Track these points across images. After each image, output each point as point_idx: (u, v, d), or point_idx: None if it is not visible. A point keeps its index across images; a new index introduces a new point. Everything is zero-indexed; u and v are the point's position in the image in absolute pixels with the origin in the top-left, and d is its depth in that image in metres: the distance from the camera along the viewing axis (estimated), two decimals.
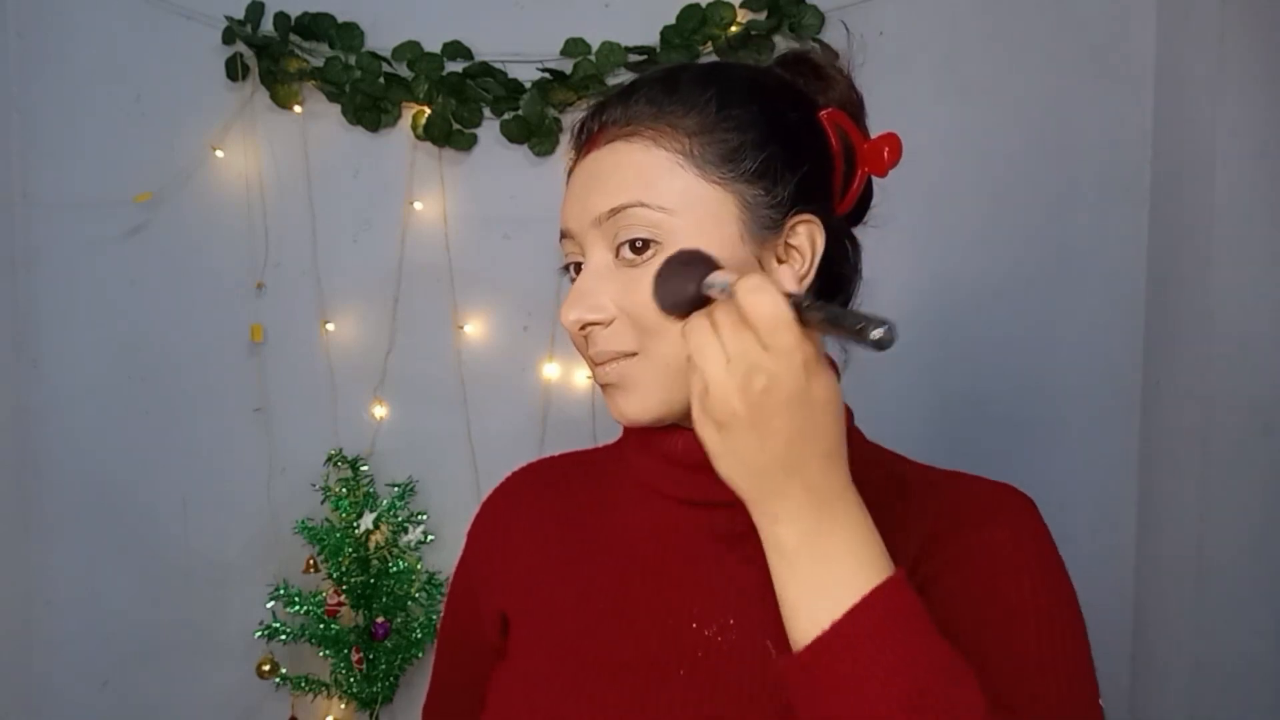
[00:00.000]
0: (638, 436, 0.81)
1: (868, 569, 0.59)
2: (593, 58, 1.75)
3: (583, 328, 0.74)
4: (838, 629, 0.57)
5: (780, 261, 0.72)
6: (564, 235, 0.76)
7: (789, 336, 0.57)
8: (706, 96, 0.73)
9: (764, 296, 0.57)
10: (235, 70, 1.77)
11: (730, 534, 0.75)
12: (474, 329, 1.84)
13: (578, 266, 0.75)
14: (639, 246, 0.71)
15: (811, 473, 0.59)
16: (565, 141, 1.78)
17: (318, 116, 1.81)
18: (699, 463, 0.73)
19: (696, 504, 0.77)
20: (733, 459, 0.59)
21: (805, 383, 0.57)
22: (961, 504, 0.74)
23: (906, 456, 0.82)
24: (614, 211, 0.71)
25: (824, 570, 0.59)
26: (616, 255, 0.72)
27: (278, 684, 1.80)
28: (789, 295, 0.58)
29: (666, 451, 0.78)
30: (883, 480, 0.76)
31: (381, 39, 1.78)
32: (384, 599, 1.76)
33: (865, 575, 0.59)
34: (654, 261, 0.70)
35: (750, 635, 0.73)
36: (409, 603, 1.77)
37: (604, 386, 0.75)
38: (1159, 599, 1.74)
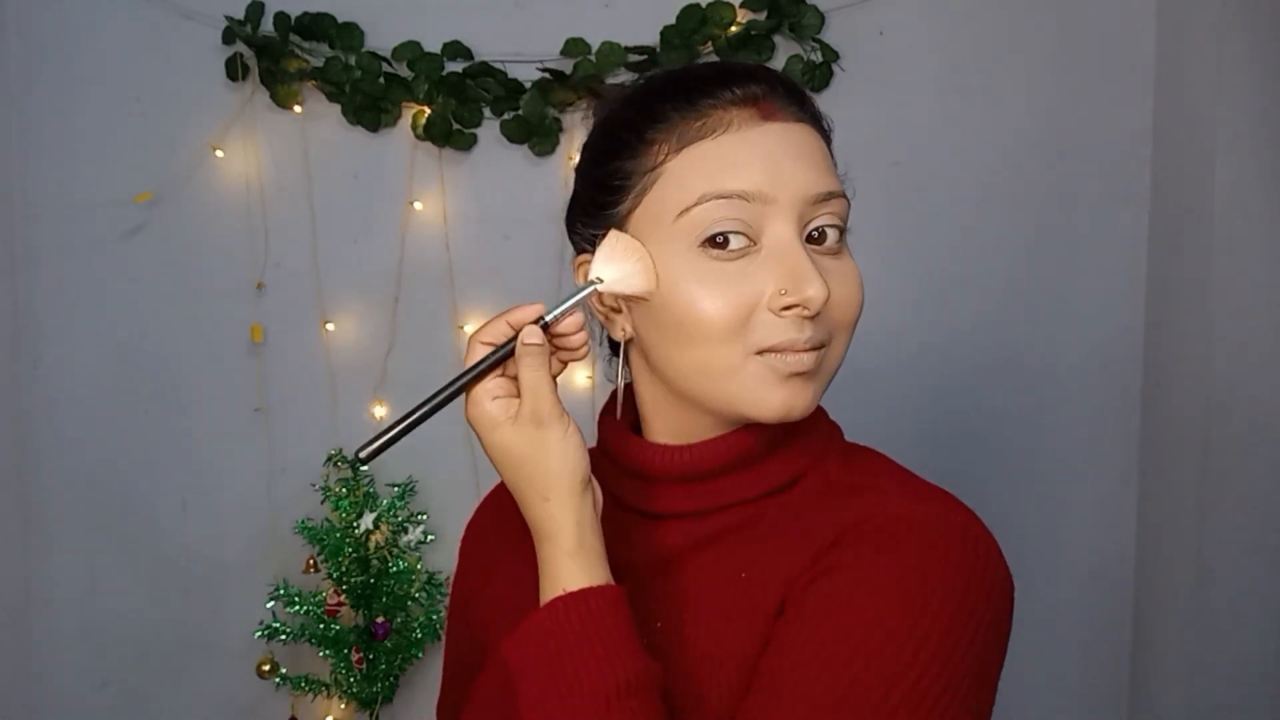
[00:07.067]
0: (606, 448, 0.80)
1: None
2: (593, 58, 1.75)
3: (792, 308, 0.67)
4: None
5: None
6: (735, 197, 0.67)
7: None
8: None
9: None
10: (235, 70, 1.77)
11: (693, 542, 0.73)
12: (474, 329, 1.83)
13: (725, 238, 0.67)
14: (839, 237, 0.71)
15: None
16: (565, 141, 1.79)
17: (318, 116, 1.81)
18: (658, 475, 0.74)
19: (658, 516, 0.75)
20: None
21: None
22: (867, 519, 0.67)
23: (881, 457, 0.77)
24: (831, 196, 0.70)
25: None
26: (806, 239, 0.69)
27: (278, 684, 1.80)
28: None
29: (627, 465, 0.76)
30: (819, 487, 0.73)
31: (381, 39, 1.78)
32: (384, 599, 1.76)
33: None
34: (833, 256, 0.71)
35: (708, 639, 0.70)
36: (409, 603, 1.77)
37: (784, 376, 0.67)
38: (1159, 599, 1.74)
